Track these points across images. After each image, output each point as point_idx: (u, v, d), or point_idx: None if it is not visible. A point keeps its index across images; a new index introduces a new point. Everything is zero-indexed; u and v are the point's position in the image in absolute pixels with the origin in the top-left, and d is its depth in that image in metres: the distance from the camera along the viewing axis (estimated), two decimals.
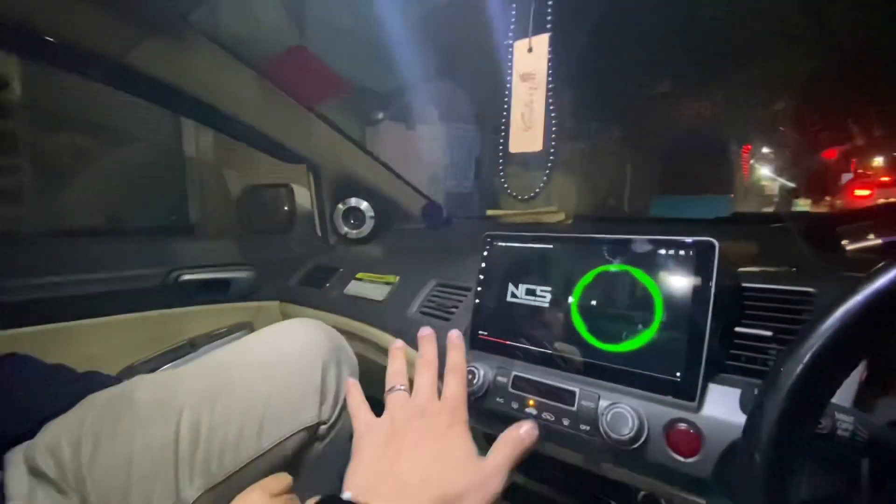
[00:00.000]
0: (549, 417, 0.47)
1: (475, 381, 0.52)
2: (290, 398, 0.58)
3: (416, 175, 1.31)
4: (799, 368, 0.22)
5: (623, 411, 0.42)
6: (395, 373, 0.45)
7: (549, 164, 0.48)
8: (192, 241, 1.07)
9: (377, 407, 0.46)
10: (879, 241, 0.60)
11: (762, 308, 0.45)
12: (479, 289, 0.59)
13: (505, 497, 0.37)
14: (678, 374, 0.41)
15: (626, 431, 0.41)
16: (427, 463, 0.36)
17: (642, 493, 0.51)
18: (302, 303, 0.98)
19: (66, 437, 0.49)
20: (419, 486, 0.35)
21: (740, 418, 0.38)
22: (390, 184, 1.22)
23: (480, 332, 0.57)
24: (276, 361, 0.60)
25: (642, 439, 0.41)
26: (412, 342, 0.70)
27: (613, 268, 0.48)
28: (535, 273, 0.54)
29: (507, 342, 0.54)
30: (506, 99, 0.44)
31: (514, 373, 0.51)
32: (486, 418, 0.52)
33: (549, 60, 0.42)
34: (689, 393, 0.40)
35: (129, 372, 0.83)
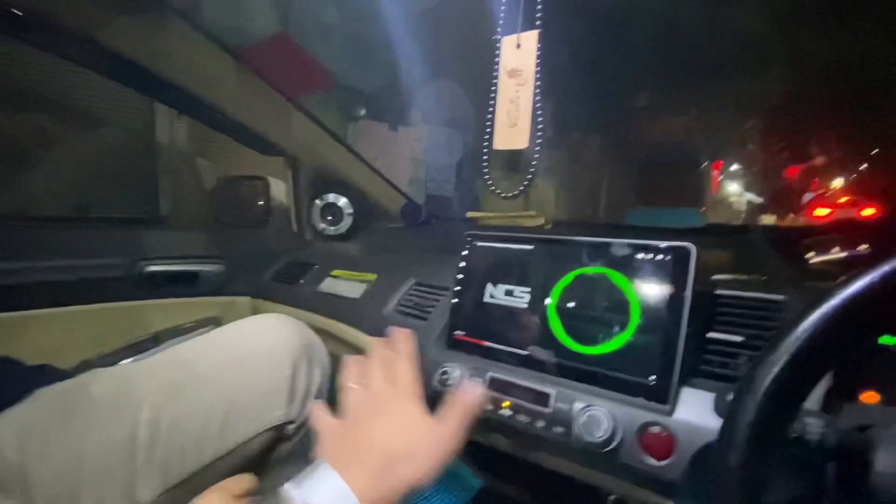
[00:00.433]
0: (523, 419, 0.46)
1: (449, 382, 0.52)
2: (257, 396, 0.56)
3: (396, 176, 1.30)
4: (775, 371, 0.22)
5: (597, 414, 0.42)
6: (349, 375, 0.46)
7: (534, 162, 0.47)
8: (160, 231, 1.02)
9: None
10: (844, 254, 0.62)
11: (734, 314, 0.46)
12: (457, 288, 0.58)
13: (475, 501, 0.37)
14: (652, 377, 0.42)
15: (600, 434, 0.41)
16: (380, 432, 0.39)
17: (612, 496, 0.52)
18: (274, 299, 0.95)
19: (11, 433, 0.46)
20: (371, 448, 0.37)
21: (712, 422, 0.38)
22: (370, 181, 1.20)
23: (457, 332, 0.56)
24: (244, 357, 0.58)
25: (615, 442, 0.41)
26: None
27: (592, 270, 0.48)
28: (514, 274, 0.54)
29: (484, 343, 0.54)
30: (492, 95, 0.44)
31: (489, 374, 0.51)
32: None
33: (538, 57, 0.42)
34: (663, 396, 0.41)
35: (86, 367, 0.78)
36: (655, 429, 0.40)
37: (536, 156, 0.46)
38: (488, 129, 0.47)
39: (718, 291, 0.48)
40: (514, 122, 0.43)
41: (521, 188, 0.53)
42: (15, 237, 0.82)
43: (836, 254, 0.64)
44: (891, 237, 0.68)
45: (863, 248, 0.63)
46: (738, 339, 0.43)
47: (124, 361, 0.81)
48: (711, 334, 0.45)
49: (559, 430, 0.44)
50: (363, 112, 3.73)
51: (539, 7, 0.43)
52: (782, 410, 0.23)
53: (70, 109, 1.40)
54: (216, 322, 0.97)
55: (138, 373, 0.55)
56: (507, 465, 0.59)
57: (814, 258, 0.66)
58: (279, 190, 1.14)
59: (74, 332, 0.83)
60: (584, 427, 0.42)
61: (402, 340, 0.48)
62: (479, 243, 0.58)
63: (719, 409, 0.36)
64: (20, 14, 0.70)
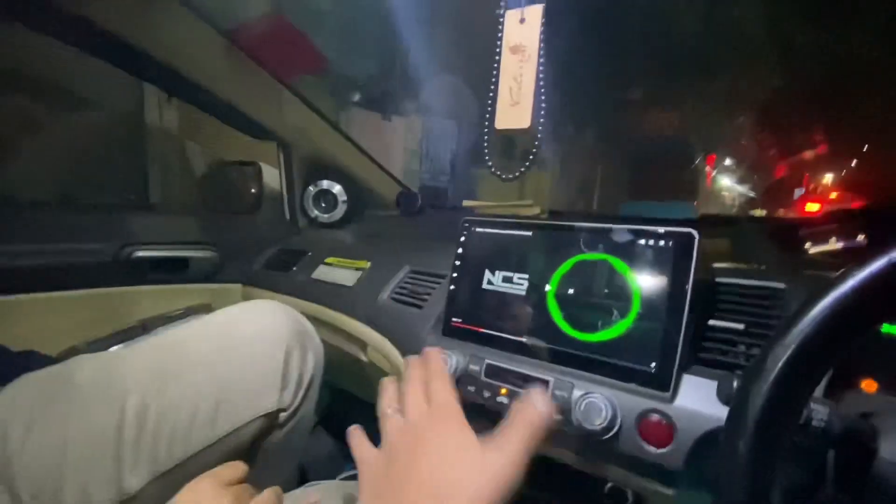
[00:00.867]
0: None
1: (447, 369, 0.51)
2: (249, 383, 0.55)
3: (390, 166, 1.28)
4: (788, 354, 0.22)
5: (596, 401, 0.41)
6: (387, 400, 0.40)
7: (537, 142, 0.46)
8: (148, 216, 1.00)
9: (349, 400, 0.44)
10: (840, 244, 0.62)
11: (734, 302, 0.45)
12: (454, 275, 0.57)
13: None
14: (653, 364, 0.41)
15: (599, 422, 0.40)
16: (421, 466, 0.33)
17: (609, 484, 0.51)
18: (266, 286, 0.94)
19: None
20: (413, 486, 0.32)
21: (713, 409, 0.38)
22: (365, 168, 1.18)
23: (454, 319, 0.55)
24: (235, 343, 0.57)
25: (615, 430, 0.40)
26: (381, 329, 0.68)
27: (592, 256, 0.48)
28: (513, 260, 0.53)
29: (481, 330, 0.53)
30: (494, 73, 0.42)
31: (487, 361, 0.50)
32: None
33: (542, 33, 0.40)
34: (664, 383, 0.40)
35: (72, 353, 0.77)
36: (655, 416, 0.40)
37: (539, 135, 0.45)
38: (489, 109, 0.45)
39: (719, 279, 0.48)
40: (516, 100, 0.42)
41: (521, 170, 0.52)
42: None
43: (834, 244, 0.64)
44: (886, 228, 0.68)
45: (860, 238, 0.63)
46: (739, 326, 0.43)
47: (112, 348, 0.79)
48: (712, 322, 0.44)
49: (557, 417, 0.44)
50: (357, 98, 3.68)
51: None
52: (793, 397, 0.23)
53: (56, 91, 1.35)
54: (207, 309, 0.95)
55: (125, 359, 0.53)
56: None
57: (811, 248, 0.65)
58: (272, 176, 1.12)
59: (60, 318, 0.81)
60: (582, 414, 0.41)
61: (434, 357, 0.42)
62: (477, 229, 0.57)
63: (722, 395, 0.36)
64: None
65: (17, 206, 0.94)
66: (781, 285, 0.45)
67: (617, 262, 0.46)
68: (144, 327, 0.86)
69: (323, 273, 0.86)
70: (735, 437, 0.23)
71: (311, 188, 1.12)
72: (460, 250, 0.57)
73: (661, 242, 0.44)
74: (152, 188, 1.66)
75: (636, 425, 0.40)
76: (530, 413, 0.34)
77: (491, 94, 0.44)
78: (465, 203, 1.18)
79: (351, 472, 0.98)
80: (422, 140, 4.72)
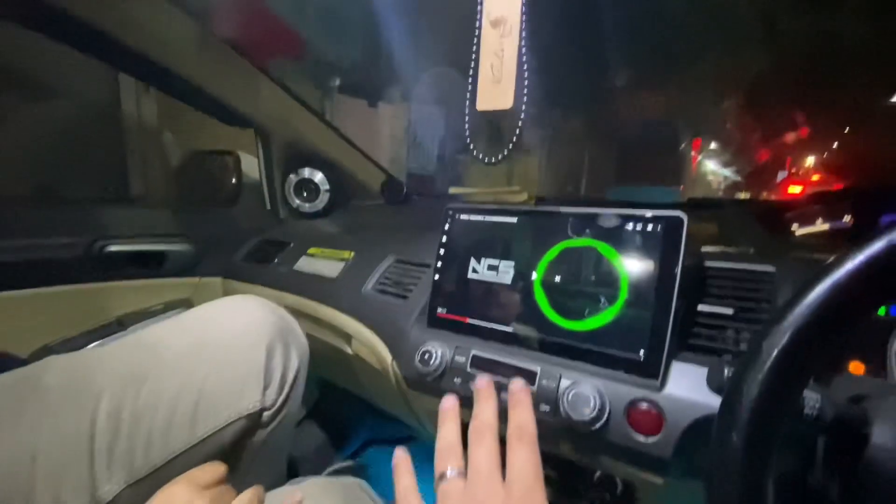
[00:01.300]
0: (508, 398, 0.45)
1: (432, 362, 0.49)
2: (229, 382, 0.53)
3: (376, 154, 1.25)
4: (784, 341, 0.21)
5: (584, 391, 0.40)
6: (445, 448, 0.34)
7: (520, 124, 0.44)
8: (123, 209, 0.96)
9: (337, 392, 0.42)
10: (827, 225, 0.62)
11: (723, 287, 0.44)
12: (438, 264, 0.55)
13: None
14: (641, 351, 0.40)
15: (588, 412, 0.39)
16: None
17: (598, 473, 0.51)
18: (247, 279, 0.91)
19: None
20: None
21: (702, 397, 0.37)
22: (348, 156, 1.15)
23: (439, 309, 0.54)
24: (215, 341, 0.55)
25: (603, 419, 0.40)
26: (365, 319, 0.67)
27: (579, 243, 0.46)
28: (498, 248, 0.51)
29: (467, 320, 0.51)
30: (474, 49, 0.40)
31: (472, 352, 0.49)
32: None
33: (524, 4, 0.38)
34: (653, 371, 0.39)
35: (44, 353, 0.74)
36: (644, 405, 0.39)
37: (523, 115, 0.43)
38: (470, 89, 0.43)
39: (708, 263, 0.47)
40: (497, 78, 0.40)
41: (505, 153, 0.50)
42: None
43: (820, 225, 0.64)
44: (870, 209, 0.68)
45: (846, 219, 0.63)
46: (727, 311, 0.42)
47: (87, 347, 0.76)
48: (701, 307, 0.43)
49: (545, 408, 0.43)
50: (340, 84, 3.59)
51: None
52: (789, 385, 0.22)
53: (25, 80, 1.29)
54: (186, 304, 0.93)
55: (97, 360, 0.51)
56: None
57: (798, 230, 0.65)
58: (251, 166, 1.09)
59: (32, 316, 0.78)
60: (570, 405, 0.40)
61: (518, 404, 0.34)
62: (462, 216, 0.55)
63: (713, 383, 0.35)
64: None
65: None
66: (771, 268, 0.44)
67: (604, 248, 0.45)
68: (121, 324, 0.84)
69: (305, 264, 0.84)
70: (728, 428, 0.22)
71: (291, 177, 1.08)
72: (444, 238, 0.56)
73: (649, 227, 0.43)
74: (132, 181, 1.60)
75: (625, 414, 0.40)
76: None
77: (472, 74, 0.42)
78: (452, 190, 1.16)
79: (338, 466, 0.97)
80: (408, 127, 4.66)
